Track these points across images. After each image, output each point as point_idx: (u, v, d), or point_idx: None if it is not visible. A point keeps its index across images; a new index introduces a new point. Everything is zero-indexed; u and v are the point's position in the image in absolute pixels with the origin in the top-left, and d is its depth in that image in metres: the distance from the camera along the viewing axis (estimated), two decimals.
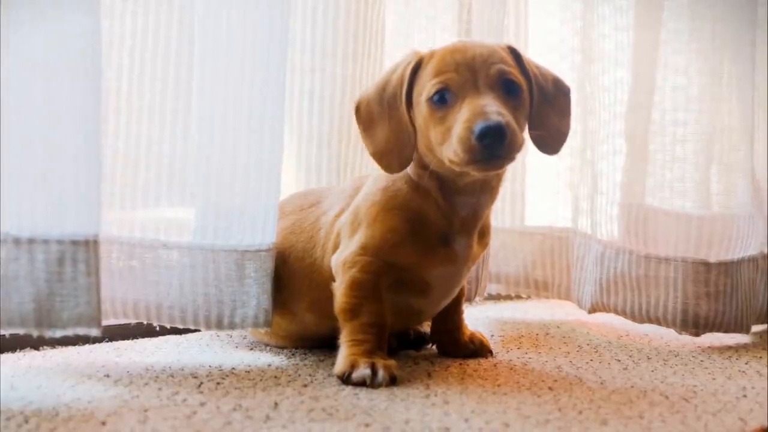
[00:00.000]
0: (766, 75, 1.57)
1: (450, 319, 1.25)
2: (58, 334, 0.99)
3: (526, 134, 1.10)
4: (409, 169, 1.12)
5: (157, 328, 1.23)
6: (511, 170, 1.59)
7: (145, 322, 1.17)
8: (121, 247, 1.14)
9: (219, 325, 1.16)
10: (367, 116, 1.12)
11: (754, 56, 1.47)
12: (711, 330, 1.41)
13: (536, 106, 1.11)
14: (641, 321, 1.44)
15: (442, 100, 1.05)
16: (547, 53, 1.61)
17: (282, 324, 1.21)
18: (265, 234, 1.17)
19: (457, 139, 1.01)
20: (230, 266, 1.15)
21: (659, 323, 1.43)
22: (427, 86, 1.06)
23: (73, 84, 0.99)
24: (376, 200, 1.13)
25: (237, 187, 1.16)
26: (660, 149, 1.47)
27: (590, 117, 1.50)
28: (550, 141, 1.13)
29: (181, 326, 1.17)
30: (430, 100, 1.05)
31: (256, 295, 1.16)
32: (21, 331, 0.99)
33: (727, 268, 1.41)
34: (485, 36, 1.43)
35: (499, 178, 1.14)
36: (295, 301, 1.19)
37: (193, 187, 1.17)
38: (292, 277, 1.19)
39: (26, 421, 0.87)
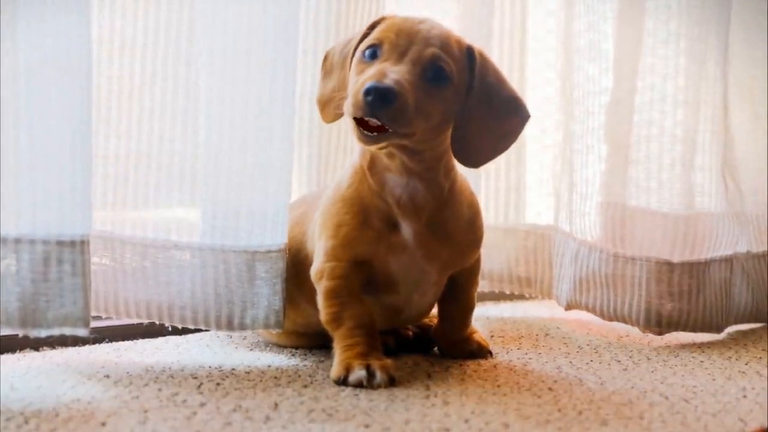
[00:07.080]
0: (766, 76, 1.57)
1: (453, 323, 1.24)
2: (44, 334, 0.99)
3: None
4: (358, 155, 1.13)
5: (162, 326, 1.23)
6: (502, 166, 1.60)
7: (146, 322, 1.17)
8: (134, 248, 1.15)
9: (230, 326, 1.16)
10: (329, 65, 1.16)
11: (727, 58, 1.47)
12: (676, 329, 1.41)
13: (468, 110, 1.09)
14: (610, 319, 1.44)
15: (372, 55, 1.07)
16: (544, 52, 1.61)
17: (290, 316, 1.21)
18: (275, 234, 1.16)
19: (352, 90, 1.03)
20: (240, 267, 1.15)
21: (625, 321, 1.43)
22: (366, 40, 1.09)
23: (60, 84, 0.99)
24: (328, 197, 1.14)
25: (246, 187, 1.15)
26: (637, 149, 1.47)
27: (572, 121, 1.50)
28: (468, 152, 1.11)
29: (192, 326, 1.18)
30: (362, 52, 1.08)
31: (267, 296, 1.16)
32: (6, 331, 0.99)
33: (692, 268, 1.41)
34: (473, 34, 1.42)
35: (425, 165, 1.10)
36: (298, 292, 1.20)
37: (203, 187, 1.16)
38: (294, 267, 1.19)
39: (26, 422, 0.87)
